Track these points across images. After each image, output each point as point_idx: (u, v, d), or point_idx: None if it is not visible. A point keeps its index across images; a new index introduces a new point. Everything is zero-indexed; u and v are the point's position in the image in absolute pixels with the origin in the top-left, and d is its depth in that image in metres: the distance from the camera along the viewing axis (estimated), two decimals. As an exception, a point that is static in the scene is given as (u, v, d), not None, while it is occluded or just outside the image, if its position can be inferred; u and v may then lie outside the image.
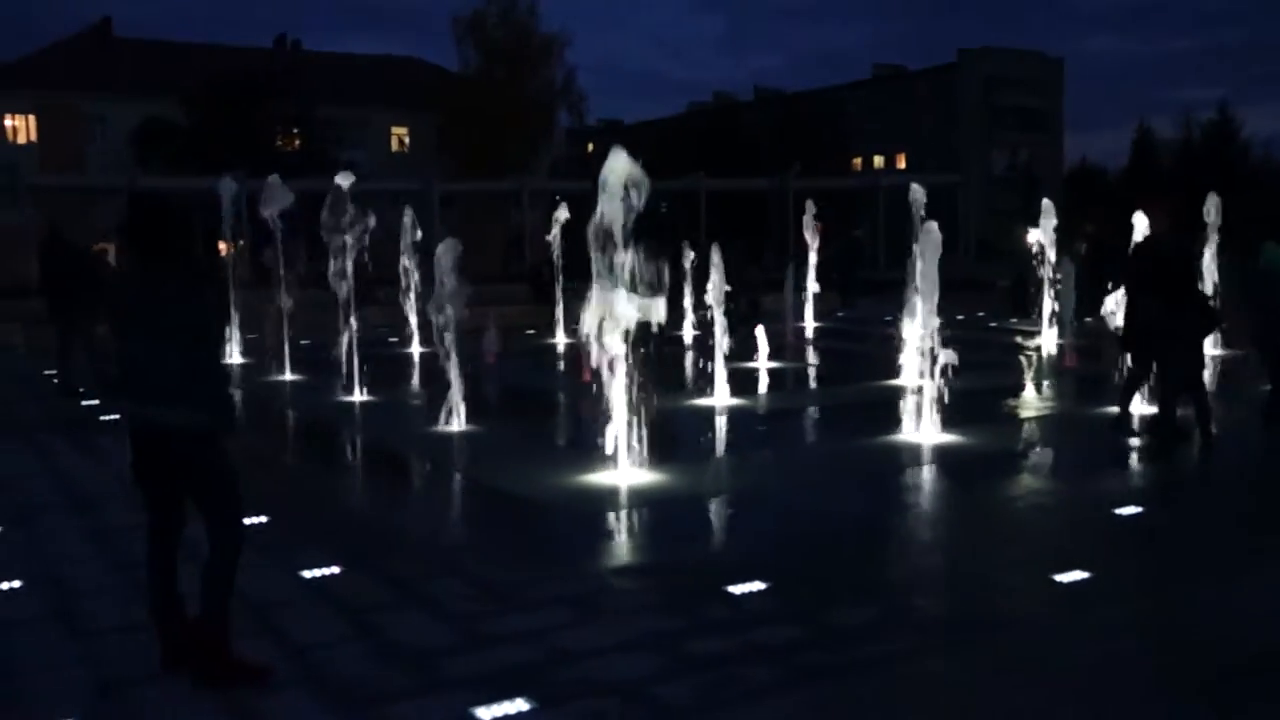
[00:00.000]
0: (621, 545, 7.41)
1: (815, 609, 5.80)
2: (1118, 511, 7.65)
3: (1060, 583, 6.11)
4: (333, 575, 6.46)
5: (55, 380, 14.51)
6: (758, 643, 5.34)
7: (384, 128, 62.32)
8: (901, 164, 71.84)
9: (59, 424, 12.18)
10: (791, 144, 64.83)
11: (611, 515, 7.95)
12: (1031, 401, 13.50)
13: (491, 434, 11.21)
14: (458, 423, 11.13)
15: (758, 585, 6.11)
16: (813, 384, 16.58)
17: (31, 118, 54.39)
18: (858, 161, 67.67)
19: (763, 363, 16.03)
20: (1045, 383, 14.30)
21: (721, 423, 12.18)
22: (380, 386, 13.83)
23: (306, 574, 6.46)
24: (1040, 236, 19.09)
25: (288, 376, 15.71)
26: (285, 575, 6.45)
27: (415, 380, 15.86)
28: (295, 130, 55.25)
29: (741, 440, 11.60)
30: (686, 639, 5.38)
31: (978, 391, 13.88)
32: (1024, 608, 5.90)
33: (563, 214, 20.72)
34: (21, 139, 54.17)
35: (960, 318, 24.54)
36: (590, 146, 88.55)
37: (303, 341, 16.55)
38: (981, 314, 25.06)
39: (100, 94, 54.60)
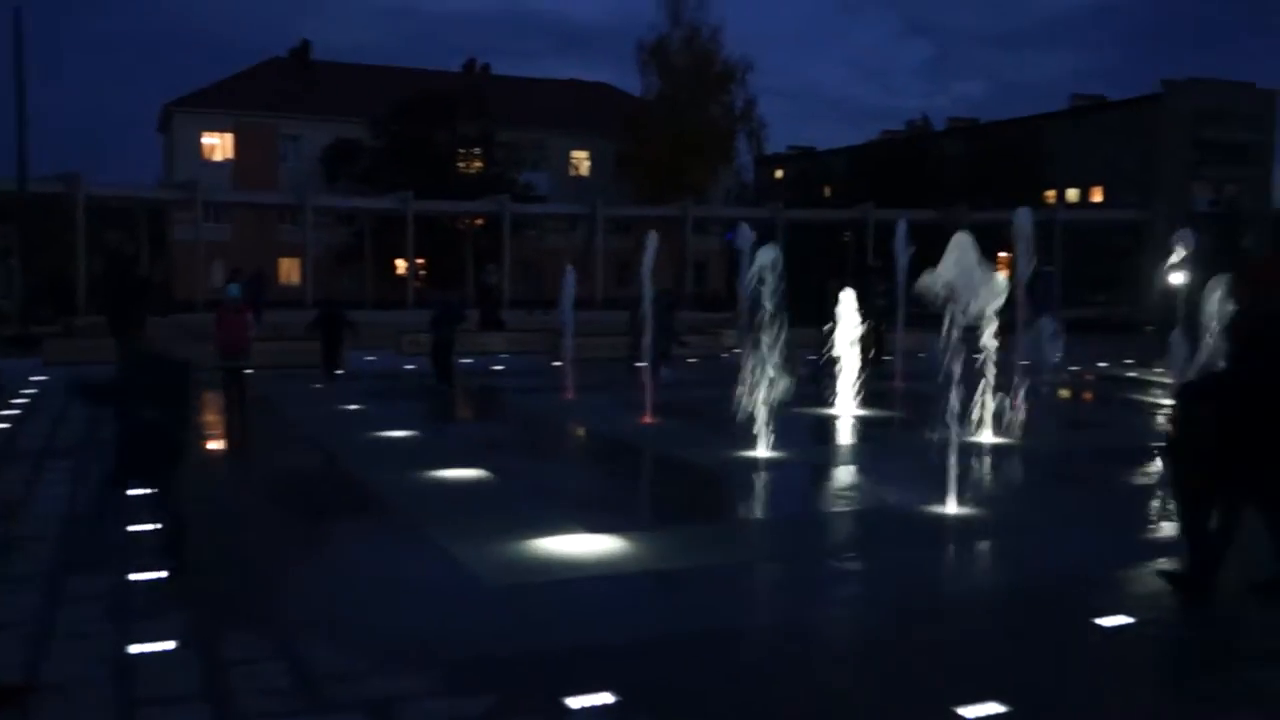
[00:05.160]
0: (502, 627, 6.38)
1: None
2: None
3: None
4: (157, 653, 5.77)
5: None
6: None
7: (564, 151, 62.68)
8: (1097, 197, 68.06)
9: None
10: (982, 174, 62.42)
11: (533, 588, 7.11)
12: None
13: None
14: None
15: (602, 699, 5.18)
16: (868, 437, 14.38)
17: (230, 136, 56.72)
18: (1050, 194, 64.32)
19: (842, 408, 14.94)
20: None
21: (762, 479, 11.11)
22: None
23: (134, 649, 5.80)
24: (1183, 278, 17.00)
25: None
26: (108, 648, 5.84)
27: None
28: (476, 152, 56.11)
29: (767, 498, 10.58)
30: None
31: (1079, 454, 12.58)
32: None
33: None
34: (219, 156, 56.57)
35: (1103, 364, 22.67)
36: (779, 173, 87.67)
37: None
38: (1130, 360, 23.09)
39: (295, 115, 56.61)
